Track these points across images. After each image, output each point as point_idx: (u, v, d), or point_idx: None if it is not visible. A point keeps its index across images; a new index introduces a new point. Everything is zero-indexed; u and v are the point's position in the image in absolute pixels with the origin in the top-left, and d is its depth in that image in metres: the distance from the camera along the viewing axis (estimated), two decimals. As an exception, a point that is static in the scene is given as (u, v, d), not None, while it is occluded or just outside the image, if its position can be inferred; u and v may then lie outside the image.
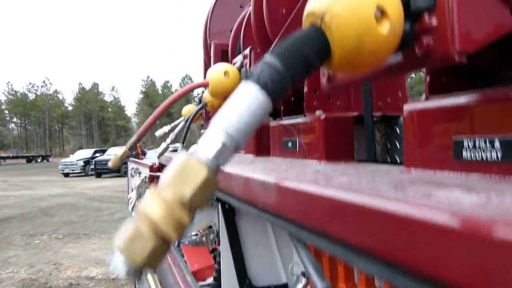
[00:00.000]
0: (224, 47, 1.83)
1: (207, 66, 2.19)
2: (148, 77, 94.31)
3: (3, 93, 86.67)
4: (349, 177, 0.65)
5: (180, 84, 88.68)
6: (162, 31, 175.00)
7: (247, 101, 0.47)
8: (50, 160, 68.52)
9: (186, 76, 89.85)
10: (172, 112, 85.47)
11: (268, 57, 0.49)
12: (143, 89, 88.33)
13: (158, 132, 2.36)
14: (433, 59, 0.52)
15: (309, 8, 0.54)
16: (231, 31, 1.78)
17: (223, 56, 1.86)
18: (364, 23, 0.49)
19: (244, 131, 0.46)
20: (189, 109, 2.24)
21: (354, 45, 0.50)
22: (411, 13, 0.54)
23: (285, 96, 0.51)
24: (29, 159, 64.95)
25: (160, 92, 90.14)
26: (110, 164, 1.63)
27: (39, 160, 65.98)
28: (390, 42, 0.51)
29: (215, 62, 1.83)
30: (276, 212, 0.69)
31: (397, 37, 0.52)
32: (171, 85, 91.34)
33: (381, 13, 0.50)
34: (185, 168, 0.44)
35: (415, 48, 0.53)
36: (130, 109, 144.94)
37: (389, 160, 1.11)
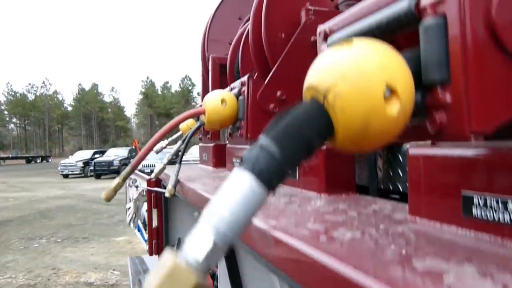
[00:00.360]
0: (222, 60, 1.79)
1: (205, 80, 2.15)
2: (147, 77, 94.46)
3: (2, 93, 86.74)
4: (350, 232, 0.61)
5: (179, 84, 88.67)
6: (162, 32, 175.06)
7: (240, 192, 0.41)
8: (50, 160, 68.51)
9: (186, 76, 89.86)
10: (171, 113, 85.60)
11: (264, 140, 0.44)
12: (143, 90, 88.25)
13: (156, 147, 2.32)
14: (446, 136, 0.48)
15: (310, 80, 0.49)
16: (229, 43, 1.74)
17: (221, 70, 1.82)
18: (371, 104, 0.45)
19: (237, 227, 0.41)
20: (187, 124, 2.20)
21: (360, 127, 0.46)
22: (422, 85, 0.49)
23: (283, 183, 0.45)
24: (29, 160, 64.93)
25: (159, 92, 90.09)
26: (103, 196, 1.58)
27: (38, 161, 65.96)
28: (399, 122, 0.46)
29: (213, 76, 1.80)
30: (271, 262, 0.66)
31: (407, 115, 0.47)
32: (170, 85, 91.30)
33: (391, 92, 0.45)
34: (172, 275, 0.39)
35: (425, 121, 0.49)
36: (130, 110, 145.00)
37: (391, 188, 1.08)
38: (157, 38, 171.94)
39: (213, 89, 1.80)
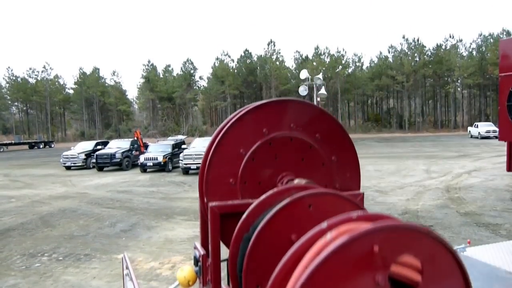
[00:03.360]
0: (222, 209, 1.59)
1: (204, 230, 1.96)
2: (149, 61, 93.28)
3: (3, 78, 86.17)
4: None
5: (181, 68, 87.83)
6: (163, 14, 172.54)
7: None
8: (53, 146, 68.61)
9: (188, 60, 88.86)
10: (173, 97, 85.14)
11: None
12: (144, 74, 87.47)
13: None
14: None
15: None
16: (231, 183, 1.55)
17: (222, 221, 1.60)
18: None
19: None
20: (184, 276, 1.98)
21: None
22: None
23: None
24: (32, 145, 65.07)
25: (161, 76, 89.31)
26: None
27: (41, 146, 66.08)
28: None
29: (212, 228, 1.60)
30: None
31: None
32: (172, 69, 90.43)
33: None
34: None
35: None
36: (132, 93, 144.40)
37: None
38: (158, 21, 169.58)
39: (212, 238, 1.61)
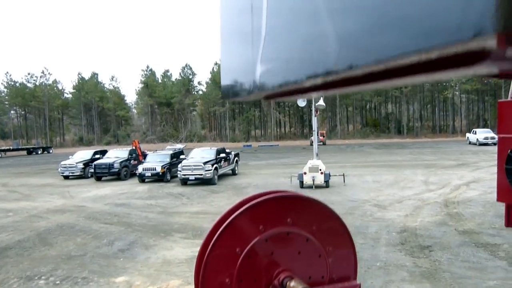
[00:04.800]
0: None
1: None
2: (147, 67, 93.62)
3: (2, 83, 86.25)
4: None
5: (180, 73, 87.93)
6: (162, 19, 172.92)
7: None
8: (51, 151, 68.59)
9: (186, 65, 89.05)
10: (172, 102, 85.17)
11: None
12: (143, 79, 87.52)
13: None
14: None
15: None
16: (226, 283, 1.54)
17: None
18: None
19: None
20: None
21: None
22: None
23: None
24: (30, 151, 65.03)
25: (160, 81, 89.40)
26: None
27: (39, 152, 66.04)
28: None
29: None
30: None
31: None
32: (171, 74, 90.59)
33: None
34: None
35: None
36: (130, 98, 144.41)
37: None
38: (157, 26, 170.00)
39: None
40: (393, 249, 8.81)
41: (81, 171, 25.51)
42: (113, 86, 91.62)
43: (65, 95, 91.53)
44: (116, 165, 23.90)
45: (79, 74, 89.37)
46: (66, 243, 10.28)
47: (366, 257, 8.21)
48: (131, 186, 21.29)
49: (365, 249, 8.76)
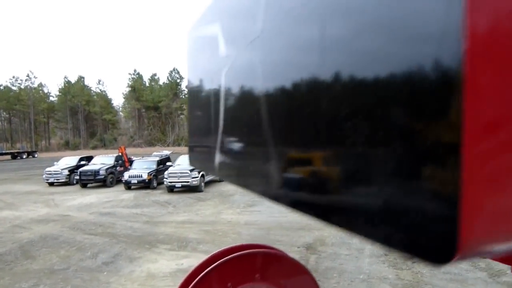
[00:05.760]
0: None
1: None
2: (135, 70, 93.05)
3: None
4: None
5: (167, 77, 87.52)
6: (149, 23, 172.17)
7: None
8: (36, 156, 67.61)
9: (174, 69, 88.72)
10: (160, 106, 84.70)
11: None
12: (130, 83, 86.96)
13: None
14: None
15: None
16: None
17: None
18: None
19: None
20: None
21: None
22: None
23: None
24: (14, 156, 64.01)
25: (147, 85, 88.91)
26: None
27: (24, 156, 65.06)
28: None
29: None
30: None
31: None
32: (158, 78, 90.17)
33: None
34: None
35: None
36: (117, 101, 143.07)
37: None
38: (144, 29, 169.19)
39: None
40: (376, 260, 8.90)
41: (66, 178, 25.22)
42: (100, 90, 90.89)
43: (51, 98, 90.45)
44: (102, 172, 23.69)
45: (65, 77, 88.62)
46: (49, 256, 10.15)
47: (350, 269, 8.29)
48: (117, 193, 21.11)
49: (349, 261, 8.84)
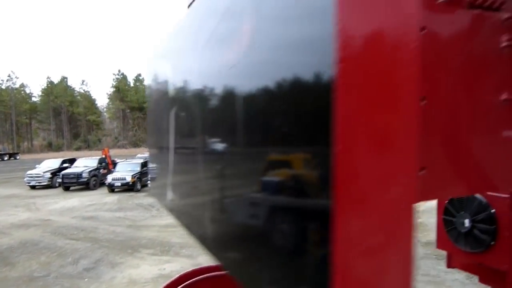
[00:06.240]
0: None
1: None
2: (119, 71, 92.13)
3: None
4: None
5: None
6: (133, 23, 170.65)
7: None
8: (18, 157, 66.39)
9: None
10: (144, 107, 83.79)
11: None
12: (114, 83, 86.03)
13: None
14: None
15: None
16: None
17: None
18: None
19: None
20: None
21: None
22: None
23: None
24: (-5, 158, 62.67)
25: (132, 85, 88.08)
26: None
27: (6, 158, 63.82)
28: None
29: None
30: None
31: None
32: (143, 78, 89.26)
33: None
34: None
35: None
36: (102, 101, 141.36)
37: None
38: (128, 29, 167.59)
39: None
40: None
41: (48, 181, 24.82)
42: (84, 90, 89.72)
43: (33, 99, 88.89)
44: (85, 175, 23.40)
45: (48, 77, 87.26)
46: (29, 263, 9.98)
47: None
48: (100, 196, 20.88)
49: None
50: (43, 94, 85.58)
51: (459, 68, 0.95)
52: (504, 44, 1.03)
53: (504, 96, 1.03)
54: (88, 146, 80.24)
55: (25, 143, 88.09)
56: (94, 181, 23.85)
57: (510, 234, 2.23)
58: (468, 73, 0.97)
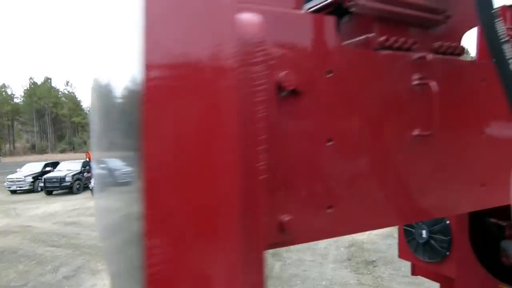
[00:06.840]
0: None
1: None
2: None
3: None
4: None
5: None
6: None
7: None
8: (0, 160, 65.15)
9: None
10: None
11: None
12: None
13: None
14: None
15: None
16: None
17: None
18: None
19: None
20: None
21: None
22: None
23: None
24: (-24, 161, 61.42)
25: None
26: None
27: (-13, 162, 62.56)
28: None
29: None
30: None
31: None
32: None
33: None
34: None
35: None
36: (87, 102, 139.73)
37: None
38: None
39: None
40: (340, 265, 9.03)
41: (30, 185, 24.34)
42: (68, 91, 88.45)
43: (16, 100, 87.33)
44: (68, 179, 23.04)
45: (30, 78, 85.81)
46: (6, 272, 9.76)
47: (313, 276, 8.37)
48: (83, 200, 20.58)
49: (313, 267, 8.92)
50: (26, 95, 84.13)
51: (369, 108, 0.95)
52: (415, 82, 1.04)
53: (416, 132, 1.04)
54: (73, 148, 79.18)
55: (7, 146, 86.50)
56: (78, 185, 23.51)
57: (460, 244, 2.32)
58: (379, 112, 0.97)
